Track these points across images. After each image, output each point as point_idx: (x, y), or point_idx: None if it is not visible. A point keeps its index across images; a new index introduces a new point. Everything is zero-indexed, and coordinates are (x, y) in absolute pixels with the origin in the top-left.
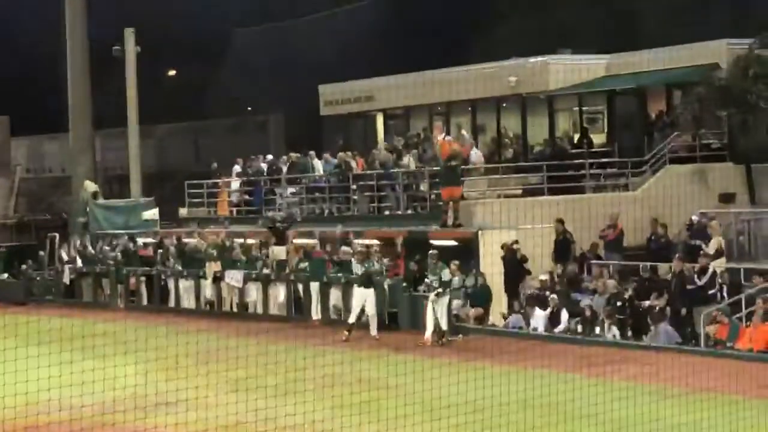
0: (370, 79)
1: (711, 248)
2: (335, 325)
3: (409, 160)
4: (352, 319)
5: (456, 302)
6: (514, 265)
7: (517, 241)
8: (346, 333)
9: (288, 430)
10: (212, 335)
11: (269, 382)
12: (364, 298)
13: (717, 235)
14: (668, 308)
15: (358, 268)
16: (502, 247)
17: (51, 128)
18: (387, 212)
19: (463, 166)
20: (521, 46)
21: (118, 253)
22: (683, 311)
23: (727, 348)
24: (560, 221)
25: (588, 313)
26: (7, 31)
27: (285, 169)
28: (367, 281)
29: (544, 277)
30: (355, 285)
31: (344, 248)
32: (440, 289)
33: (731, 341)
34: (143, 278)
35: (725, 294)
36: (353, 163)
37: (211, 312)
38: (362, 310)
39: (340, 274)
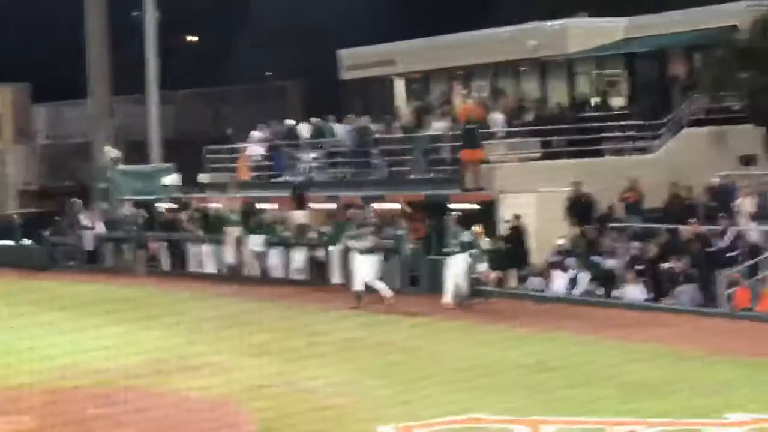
0: (389, 43)
1: (750, 207)
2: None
3: (429, 124)
4: (359, 287)
5: (479, 265)
6: (519, 240)
7: (519, 216)
8: (356, 301)
9: (309, 394)
10: (233, 300)
11: (290, 346)
12: (365, 266)
13: (750, 194)
14: (694, 270)
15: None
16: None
17: (71, 95)
18: (411, 176)
19: (483, 130)
20: (540, 9)
21: (140, 219)
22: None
23: (749, 310)
24: (578, 183)
25: (610, 274)
26: None
27: (306, 133)
28: (368, 249)
29: (562, 241)
30: (357, 253)
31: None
32: (461, 252)
33: (754, 304)
34: (164, 243)
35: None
36: (373, 128)
37: (233, 277)
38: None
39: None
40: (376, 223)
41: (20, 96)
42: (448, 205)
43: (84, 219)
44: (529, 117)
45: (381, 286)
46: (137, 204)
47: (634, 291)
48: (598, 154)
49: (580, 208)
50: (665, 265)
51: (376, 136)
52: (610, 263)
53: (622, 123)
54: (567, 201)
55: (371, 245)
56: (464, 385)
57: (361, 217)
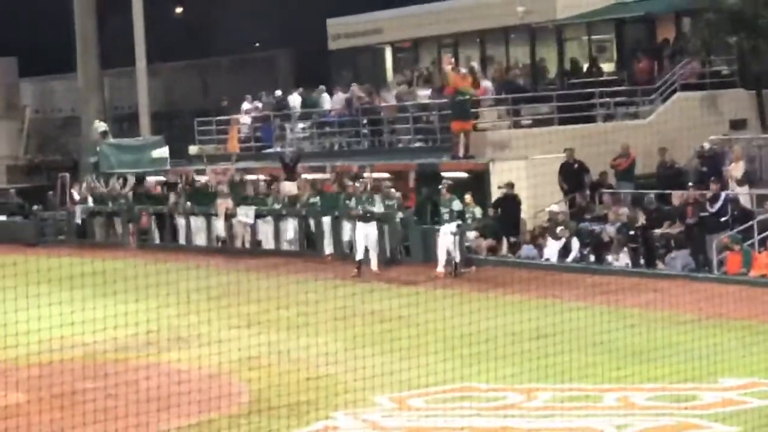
0: (378, 11)
1: (738, 172)
2: (348, 259)
3: (419, 93)
4: (359, 256)
5: (471, 234)
6: (512, 206)
7: (512, 184)
8: (356, 270)
9: (301, 364)
10: (224, 271)
11: (282, 317)
12: (365, 233)
13: (740, 159)
14: (686, 236)
15: (355, 204)
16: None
17: (59, 68)
18: (400, 145)
19: (474, 98)
20: None
21: (129, 192)
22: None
23: (741, 275)
24: (570, 150)
25: (602, 241)
26: None
27: (296, 104)
28: (367, 216)
29: (556, 207)
30: (357, 220)
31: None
32: (452, 221)
33: (746, 268)
34: (154, 217)
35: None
36: (362, 97)
37: (223, 249)
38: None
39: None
40: (373, 191)
41: (7, 70)
42: (441, 174)
43: (74, 193)
44: (519, 84)
45: (375, 257)
46: (125, 177)
47: (626, 257)
48: (590, 120)
49: (572, 175)
50: (658, 231)
51: (365, 105)
52: (601, 230)
53: (614, 89)
54: (560, 168)
55: (379, 213)
56: (458, 353)
57: (356, 187)
